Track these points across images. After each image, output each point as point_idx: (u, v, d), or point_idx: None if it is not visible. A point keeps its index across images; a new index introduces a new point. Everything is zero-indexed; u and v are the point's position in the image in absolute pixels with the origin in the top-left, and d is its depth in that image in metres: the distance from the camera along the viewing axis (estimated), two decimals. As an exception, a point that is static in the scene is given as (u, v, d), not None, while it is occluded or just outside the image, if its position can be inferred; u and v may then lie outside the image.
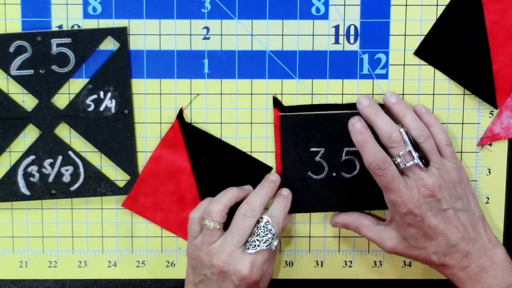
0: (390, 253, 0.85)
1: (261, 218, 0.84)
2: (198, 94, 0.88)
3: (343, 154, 0.88)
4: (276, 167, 0.89)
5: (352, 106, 0.87)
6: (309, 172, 0.88)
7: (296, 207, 0.89)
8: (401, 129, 0.83)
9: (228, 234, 0.82)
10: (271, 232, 0.83)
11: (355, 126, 0.84)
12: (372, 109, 0.85)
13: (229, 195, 0.85)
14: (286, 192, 0.88)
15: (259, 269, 0.82)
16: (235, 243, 0.82)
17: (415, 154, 0.81)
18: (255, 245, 0.82)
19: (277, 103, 0.88)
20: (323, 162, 0.88)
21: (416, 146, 0.83)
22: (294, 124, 0.87)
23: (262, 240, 0.82)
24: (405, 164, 0.81)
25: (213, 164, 0.89)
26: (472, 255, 0.81)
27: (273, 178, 0.88)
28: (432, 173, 0.82)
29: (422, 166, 0.81)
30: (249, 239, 0.82)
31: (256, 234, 0.83)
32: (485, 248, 0.82)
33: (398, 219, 0.82)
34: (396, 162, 0.82)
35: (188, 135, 0.88)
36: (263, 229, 0.83)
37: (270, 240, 0.83)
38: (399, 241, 0.84)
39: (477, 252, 0.82)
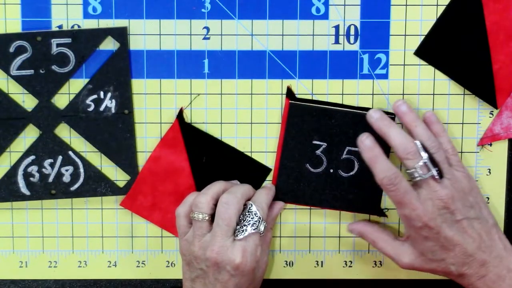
0: (406, 269, 0.84)
1: (245, 205, 0.84)
2: (198, 94, 0.88)
3: (344, 153, 0.88)
4: (276, 156, 0.89)
5: (365, 109, 0.88)
6: (307, 164, 0.88)
7: (287, 196, 0.89)
8: (416, 141, 0.82)
9: (215, 226, 0.83)
10: (257, 215, 0.83)
11: (365, 143, 0.83)
12: (384, 121, 0.84)
13: (216, 187, 0.85)
14: (269, 184, 0.89)
15: (252, 255, 0.83)
16: (224, 233, 0.82)
17: (431, 166, 0.81)
18: (243, 231, 0.83)
19: (290, 94, 0.88)
20: (323, 157, 0.88)
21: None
22: (302, 114, 0.88)
23: (248, 224, 0.83)
24: (421, 176, 0.81)
25: (212, 164, 0.89)
26: (489, 263, 0.81)
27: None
28: (445, 185, 0.81)
29: (438, 178, 0.81)
30: (237, 227, 0.83)
31: (242, 221, 0.83)
32: (501, 256, 0.82)
33: (414, 233, 0.82)
34: (411, 174, 0.82)
35: (188, 135, 0.88)
36: (248, 214, 0.83)
37: (257, 224, 0.83)
38: (416, 256, 0.83)
39: (493, 260, 0.81)
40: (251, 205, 0.84)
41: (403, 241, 0.85)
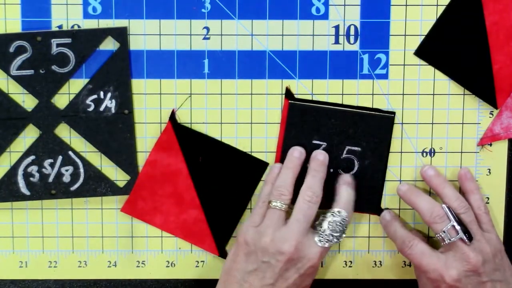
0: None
1: (338, 212, 0.83)
2: (190, 95, 0.88)
3: (344, 152, 0.88)
4: (276, 156, 0.89)
5: (365, 108, 0.88)
6: (307, 164, 0.88)
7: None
8: (443, 205, 0.83)
9: (295, 221, 0.82)
10: (345, 228, 0.84)
11: (383, 222, 0.88)
12: (412, 191, 0.86)
13: (291, 174, 0.85)
14: (349, 178, 0.87)
15: (323, 257, 0.85)
16: (302, 230, 0.81)
17: (459, 228, 0.82)
18: (328, 240, 0.82)
19: (288, 94, 0.88)
20: None
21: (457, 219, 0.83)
22: (301, 114, 0.88)
23: (335, 236, 0.83)
24: (449, 239, 0.82)
25: (209, 163, 0.89)
26: None
27: (320, 157, 0.87)
28: (475, 248, 0.82)
29: (466, 240, 0.81)
30: (320, 231, 0.82)
31: (330, 229, 0.83)
32: None
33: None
34: (440, 238, 0.82)
35: (182, 137, 0.88)
36: (339, 226, 0.83)
37: (342, 235, 0.84)
38: None
39: None
40: (344, 219, 0.84)
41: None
